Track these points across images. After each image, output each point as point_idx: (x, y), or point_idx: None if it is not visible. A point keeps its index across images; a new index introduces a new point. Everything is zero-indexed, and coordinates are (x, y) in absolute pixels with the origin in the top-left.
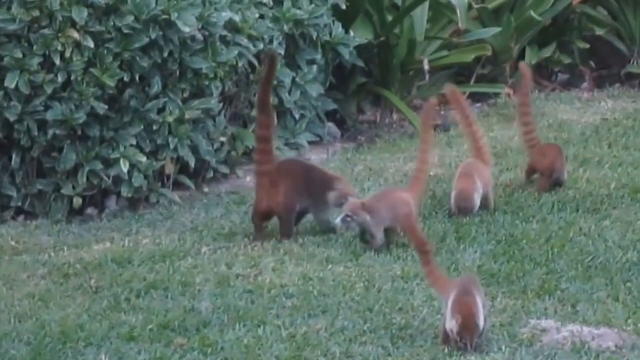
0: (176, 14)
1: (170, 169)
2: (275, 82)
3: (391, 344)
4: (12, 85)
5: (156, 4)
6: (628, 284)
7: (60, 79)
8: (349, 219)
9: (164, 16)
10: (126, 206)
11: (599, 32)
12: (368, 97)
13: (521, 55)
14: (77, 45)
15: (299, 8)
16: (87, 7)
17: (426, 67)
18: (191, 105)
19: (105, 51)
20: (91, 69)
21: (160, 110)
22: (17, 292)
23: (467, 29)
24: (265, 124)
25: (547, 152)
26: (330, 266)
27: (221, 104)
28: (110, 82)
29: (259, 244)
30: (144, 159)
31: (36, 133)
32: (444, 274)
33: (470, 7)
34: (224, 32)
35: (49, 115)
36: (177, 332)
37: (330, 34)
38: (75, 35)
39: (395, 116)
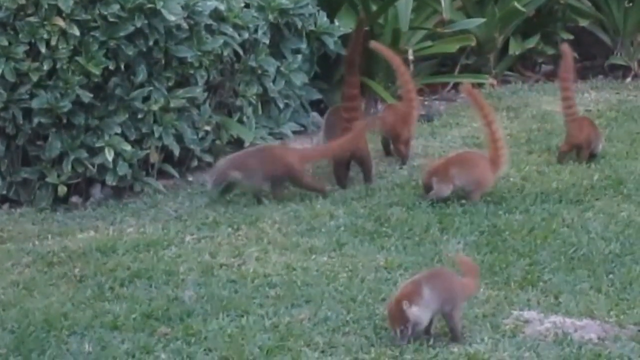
0: (162, 3)
1: (155, 157)
2: (259, 72)
3: (374, 334)
4: None
5: None
6: (611, 275)
7: (45, 67)
8: None
9: (150, 5)
10: (111, 195)
11: (583, 23)
12: None
13: (505, 46)
14: (63, 33)
15: None
16: None
17: (410, 57)
18: (176, 94)
19: (91, 39)
20: (77, 58)
21: (146, 99)
22: (1, 280)
23: (451, 19)
24: (353, 83)
25: (583, 126)
26: (314, 256)
27: (206, 93)
28: (96, 71)
29: (242, 233)
30: (128, 147)
31: (21, 121)
32: None
33: None
34: (209, 21)
35: (35, 104)
36: (161, 321)
37: (315, 24)
38: (61, 23)
39: (379, 106)
